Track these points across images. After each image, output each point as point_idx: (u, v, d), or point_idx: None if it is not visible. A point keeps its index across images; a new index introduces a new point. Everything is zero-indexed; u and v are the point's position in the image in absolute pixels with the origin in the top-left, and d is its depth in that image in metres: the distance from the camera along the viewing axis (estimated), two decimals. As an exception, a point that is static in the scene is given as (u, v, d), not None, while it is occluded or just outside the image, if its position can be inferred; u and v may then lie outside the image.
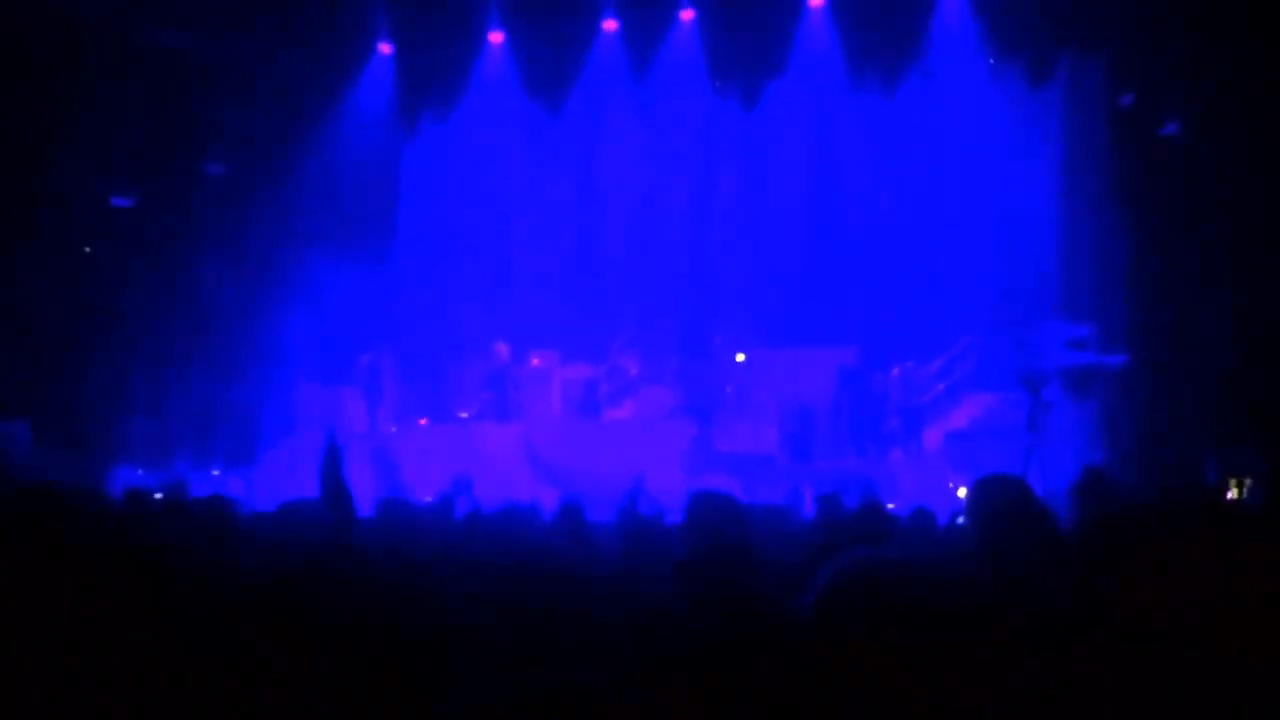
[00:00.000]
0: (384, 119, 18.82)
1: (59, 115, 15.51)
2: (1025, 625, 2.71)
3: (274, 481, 13.36)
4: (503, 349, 17.07)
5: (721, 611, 2.72)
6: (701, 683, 2.44)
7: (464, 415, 17.20)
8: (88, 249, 16.95)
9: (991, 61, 16.70)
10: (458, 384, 17.70)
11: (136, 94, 16.07)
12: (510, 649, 2.74)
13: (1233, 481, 10.37)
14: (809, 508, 9.52)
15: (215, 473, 15.60)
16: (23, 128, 15.28)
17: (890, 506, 8.30)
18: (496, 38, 18.53)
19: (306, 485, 7.24)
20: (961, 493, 9.39)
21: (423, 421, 17.23)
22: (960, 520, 7.09)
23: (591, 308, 17.93)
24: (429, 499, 9.73)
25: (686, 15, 17.92)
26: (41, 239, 15.81)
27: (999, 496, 3.31)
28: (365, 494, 7.73)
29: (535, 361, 17.34)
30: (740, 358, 16.93)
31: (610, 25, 18.17)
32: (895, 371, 15.60)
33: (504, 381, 16.98)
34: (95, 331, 16.12)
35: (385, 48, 18.81)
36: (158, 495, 7.39)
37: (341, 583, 3.37)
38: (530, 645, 2.73)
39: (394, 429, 17.06)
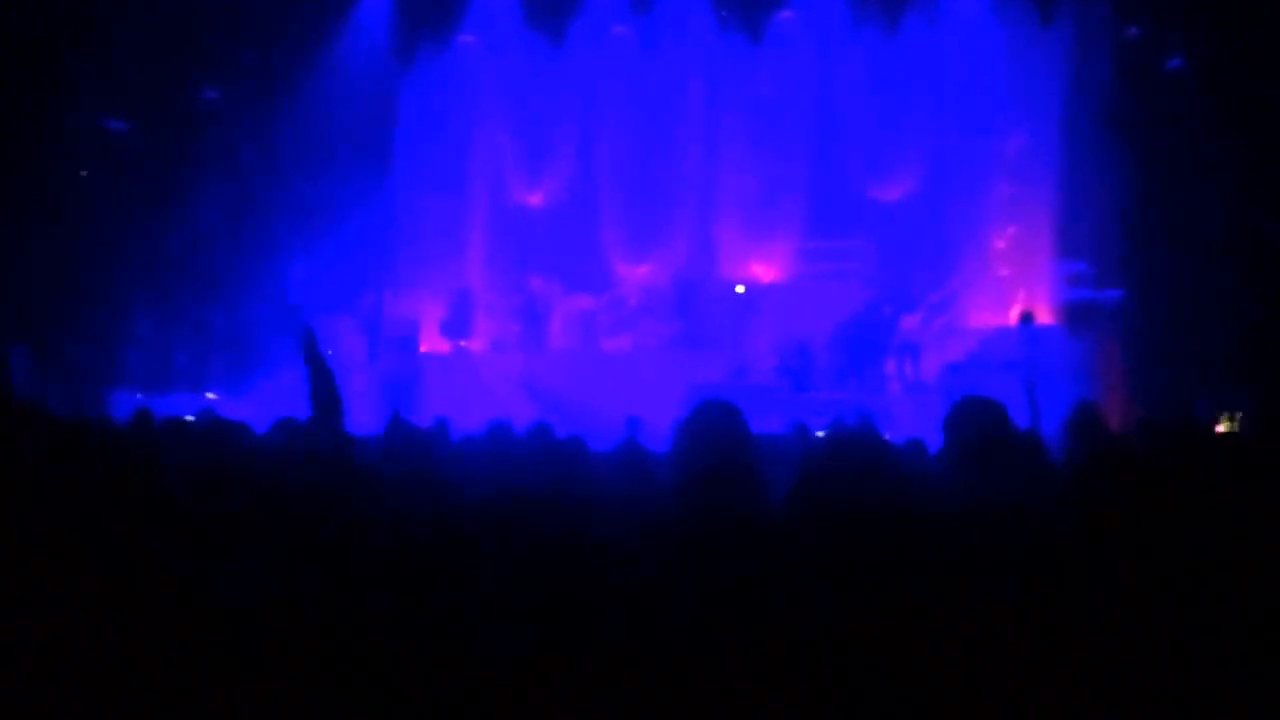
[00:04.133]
0: (382, 47, 18.62)
1: (55, 43, 15.36)
2: (1015, 548, 2.78)
3: (272, 408, 13.38)
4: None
5: (718, 510, 2.79)
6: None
7: (464, 344, 17.24)
8: (84, 173, 16.87)
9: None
10: (470, 313, 17.62)
11: (133, 21, 15.89)
12: (516, 561, 2.82)
13: (1224, 416, 10.46)
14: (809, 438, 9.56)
15: (210, 396, 15.62)
16: (19, 55, 15.14)
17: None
18: (496, -36, 18.33)
19: (304, 410, 7.29)
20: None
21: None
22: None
23: (592, 239, 17.94)
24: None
25: (691, -56, 17.73)
26: (38, 165, 15.74)
27: (977, 420, 3.34)
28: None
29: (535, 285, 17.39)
30: (740, 290, 16.96)
31: (613, -48, 17.98)
32: (897, 305, 15.62)
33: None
34: (92, 257, 16.10)
35: (384, -26, 18.60)
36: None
37: (347, 502, 3.44)
38: (534, 558, 2.81)
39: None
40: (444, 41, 18.57)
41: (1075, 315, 15.04)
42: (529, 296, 17.35)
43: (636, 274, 17.81)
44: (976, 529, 2.74)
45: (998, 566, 2.69)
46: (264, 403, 14.31)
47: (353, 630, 2.70)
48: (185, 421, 5.41)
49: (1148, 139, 14.89)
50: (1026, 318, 14.49)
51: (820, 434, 8.76)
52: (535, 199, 18.39)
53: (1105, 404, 10.98)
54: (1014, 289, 15.90)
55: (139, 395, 14.33)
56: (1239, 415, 10.33)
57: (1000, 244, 16.23)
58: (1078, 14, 15.95)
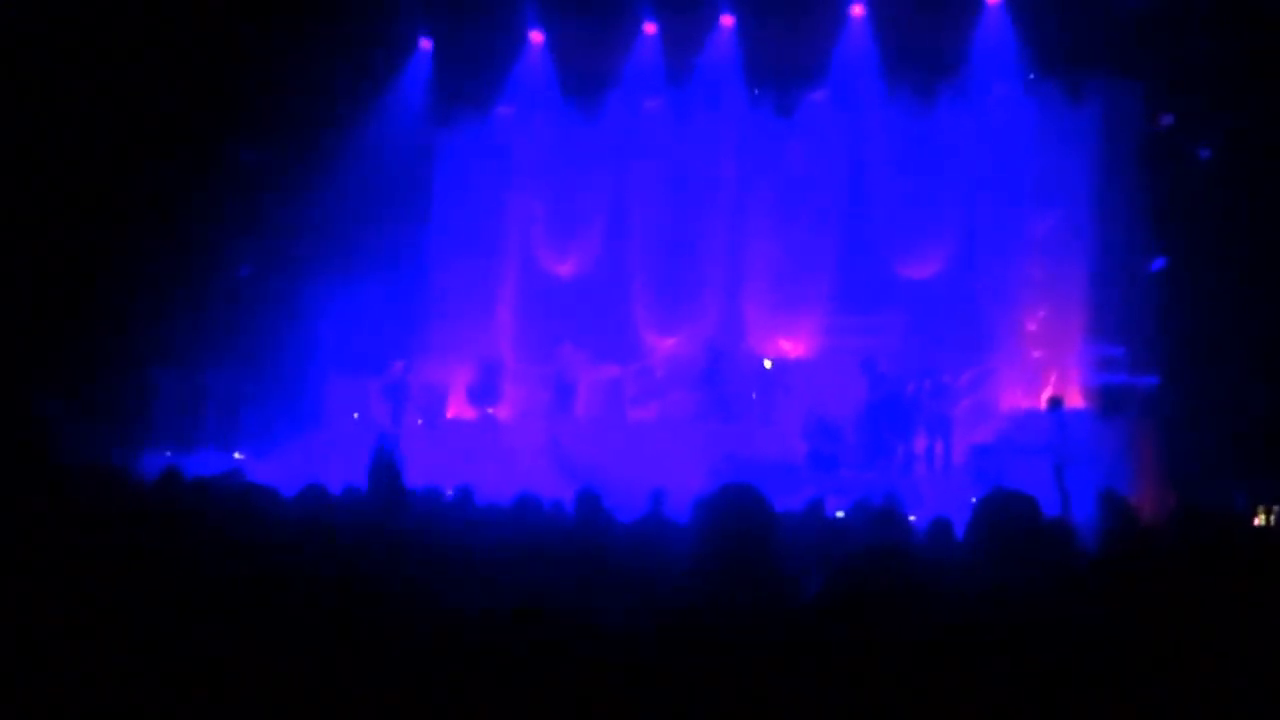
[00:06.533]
0: (421, 113, 18.89)
1: (96, 91, 15.52)
2: (1040, 635, 2.73)
3: (299, 468, 13.39)
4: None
5: (737, 594, 2.76)
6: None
7: (491, 411, 17.27)
8: (125, 233, 17.01)
9: (1031, 78, 16.63)
10: (498, 380, 17.64)
11: (170, 80, 16.05)
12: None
13: (1261, 509, 10.27)
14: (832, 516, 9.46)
15: (238, 455, 15.67)
16: (57, 104, 15.33)
17: (912, 518, 8.27)
18: (537, 37, 18.61)
19: (331, 472, 7.31)
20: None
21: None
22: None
23: (621, 309, 18.00)
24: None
25: (726, 21, 17.94)
26: (78, 224, 15.90)
27: (1007, 519, 3.31)
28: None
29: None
30: (767, 364, 16.93)
31: (650, 28, 18.21)
32: (925, 384, 15.50)
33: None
34: (127, 316, 16.19)
35: (426, 43, 18.91)
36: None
37: (374, 567, 3.42)
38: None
39: (420, 422, 17.11)
40: (481, 111, 18.83)
41: (1108, 400, 14.88)
42: (557, 365, 17.37)
43: (664, 345, 17.85)
44: (1003, 622, 2.69)
45: (1025, 660, 2.64)
46: (290, 463, 14.32)
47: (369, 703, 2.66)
48: (212, 482, 5.41)
49: (1180, 223, 14.82)
50: (1055, 403, 14.36)
51: (840, 514, 8.68)
52: (566, 268, 18.52)
53: (1138, 491, 10.82)
54: (1046, 371, 15.78)
55: (168, 453, 14.36)
56: (1276, 509, 10.14)
57: (1032, 326, 16.13)
58: (1108, 95, 15.97)
